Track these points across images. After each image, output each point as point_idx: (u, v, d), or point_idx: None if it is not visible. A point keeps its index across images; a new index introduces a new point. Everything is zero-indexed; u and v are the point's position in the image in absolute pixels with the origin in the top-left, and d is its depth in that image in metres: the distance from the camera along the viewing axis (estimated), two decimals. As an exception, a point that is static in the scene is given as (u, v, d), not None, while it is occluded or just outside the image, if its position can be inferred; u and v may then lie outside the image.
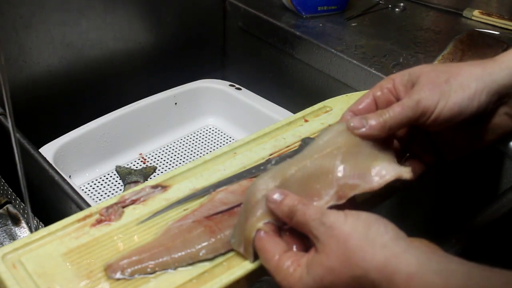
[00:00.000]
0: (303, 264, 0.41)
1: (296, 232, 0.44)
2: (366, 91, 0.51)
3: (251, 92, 1.03)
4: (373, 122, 0.46)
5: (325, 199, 0.45)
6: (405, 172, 0.46)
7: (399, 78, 0.49)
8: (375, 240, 0.38)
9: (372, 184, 0.46)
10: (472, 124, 0.48)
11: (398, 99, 0.49)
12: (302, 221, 0.42)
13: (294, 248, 0.44)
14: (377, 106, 0.50)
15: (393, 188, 0.48)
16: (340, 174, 0.46)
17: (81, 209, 0.60)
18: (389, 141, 0.49)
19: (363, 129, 0.46)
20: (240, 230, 0.46)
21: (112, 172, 0.94)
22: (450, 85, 0.46)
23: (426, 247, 0.40)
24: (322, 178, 0.45)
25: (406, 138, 0.51)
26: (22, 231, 0.66)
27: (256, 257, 0.45)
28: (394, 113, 0.46)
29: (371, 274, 0.37)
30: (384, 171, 0.46)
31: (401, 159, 0.52)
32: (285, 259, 0.42)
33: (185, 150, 1.01)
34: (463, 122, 0.46)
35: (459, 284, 0.35)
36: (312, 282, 0.40)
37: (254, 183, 0.46)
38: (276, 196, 0.43)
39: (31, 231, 0.65)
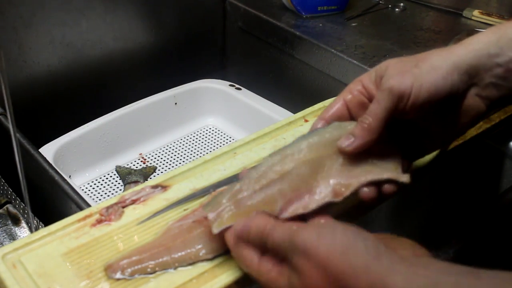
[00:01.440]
0: (285, 275, 0.39)
1: None
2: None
3: (251, 92, 1.03)
4: (358, 131, 0.46)
5: (321, 195, 0.45)
6: (403, 177, 0.47)
7: (367, 77, 0.49)
8: (356, 263, 0.36)
9: (367, 179, 0.46)
10: (446, 109, 0.48)
11: (370, 99, 0.49)
12: (274, 248, 0.40)
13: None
14: (349, 109, 0.50)
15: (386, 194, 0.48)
16: (338, 172, 0.46)
17: (81, 209, 0.60)
18: (392, 148, 0.49)
19: (355, 143, 0.46)
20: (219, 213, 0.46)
21: (112, 172, 0.94)
22: (420, 68, 0.46)
23: (412, 255, 0.39)
24: (319, 173, 0.46)
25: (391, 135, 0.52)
26: (22, 231, 0.66)
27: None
28: (373, 111, 0.46)
29: None
30: (380, 171, 0.46)
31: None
32: (265, 261, 0.41)
33: (185, 150, 1.01)
34: (438, 105, 0.47)
35: None
36: None
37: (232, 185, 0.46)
38: (240, 228, 0.42)
39: (31, 231, 0.65)
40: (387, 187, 0.47)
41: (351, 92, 0.49)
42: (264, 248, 0.41)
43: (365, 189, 0.46)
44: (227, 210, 0.45)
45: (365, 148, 0.46)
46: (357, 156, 0.47)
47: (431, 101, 0.46)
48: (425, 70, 0.46)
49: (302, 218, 0.44)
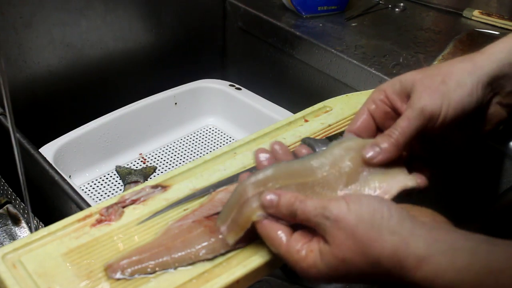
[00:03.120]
0: (315, 250, 0.41)
1: None
2: (367, 91, 0.51)
3: (251, 92, 1.03)
4: (386, 145, 0.46)
5: None
6: (409, 181, 0.47)
7: (390, 88, 0.49)
8: (381, 227, 0.38)
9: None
10: (470, 118, 0.48)
11: (393, 109, 0.49)
12: (305, 219, 0.42)
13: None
14: (374, 120, 0.50)
15: (408, 194, 0.49)
16: (343, 193, 0.46)
17: (81, 209, 0.60)
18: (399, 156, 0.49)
19: (380, 156, 0.46)
20: (232, 220, 0.46)
21: (112, 172, 0.94)
22: (447, 86, 0.46)
23: (433, 221, 0.41)
24: (324, 194, 0.46)
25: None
26: (22, 231, 0.66)
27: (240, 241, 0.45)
28: (402, 128, 0.46)
29: (381, 261, 0.38)
30: (388, 186, 0.46)
31: (407, 165, 0.52)
32: (294, 242, 0.42)
33: (185, 150, 1.01)
34: (462, 119, 0.47)
35: (464, 262, 0.36)
36: (326, 270, 0.40)
37: (249, 178, 0.45)
38: (270, 197, 0.43)
39: (31, 231, 0.65)
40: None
41: (375, 102, 0.49)
42: (293, 218, 0.43)
43: None
44: (234, 225, 0.45)
45: (388, 162, 0.46)
46: (360, 172, 0.47)
47: (458, 118, 0.46)
48: (452, 88, 0.46)
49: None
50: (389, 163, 0.47)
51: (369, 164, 0.47)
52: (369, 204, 0.40)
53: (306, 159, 0.47)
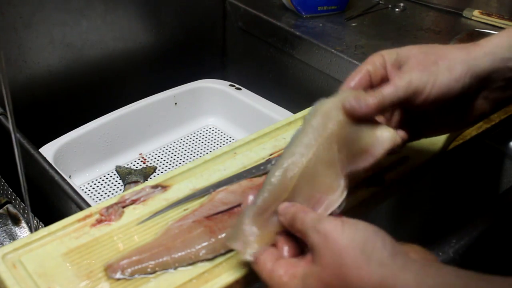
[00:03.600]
0: (298, 275, 0.40)
1: (290, 235, 0.44)
2: None
3: (251, 92, 1.03)
4: (370, 101, 0.46)
5: (338, 191, 0.45)
6: (397, 136, 0.48)
7: (388, 55, 0.50)
8: (372, 256, 0.37)
9: (376, 156, 0.46)
10: (453, 105, 0.49)
11: (385, 76, 0.50)
12: (300, 229, 0.42)
13: (285, 252, 0.43)
14: (371, 79, 0.50)
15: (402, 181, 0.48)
16: (342, 163, 0.46)
17: (81, 209, 0.60)
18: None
19: (360, 110, 0.46)
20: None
21: (112, 172, 0.94)
22: (438, 67, 0.47)
23: (423, 259, 0.40)
24: (325, 170, 0.45)
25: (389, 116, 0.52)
26: (22, 231, 0.66)
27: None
28: (388, 92, 0.47)
29: None
30: (381, 142, 0.47)
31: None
32: (277, 267, 0.41)
33: (185, 150, 1.01)
34: (446, 103, 0.48)
35: None
36: None
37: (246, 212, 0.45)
38: (283, 206, 0.43)
39: (31, 231, 0.65)
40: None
41: (374, 64, 0.50)
42: (292, 226, 0.42)
43: None
44: (252, 235, 0.44)
45: (365, 117, 0.47)
46: (350, 134, 0.47)
47: (440, 99, 0.47)
48: (441, 70, 0.47)
49: None
50: (371, 122, 0.48)
51: (351, 120, 0.47)
52: (364, 231, 0.39)
53: (291, 147, 0.47)
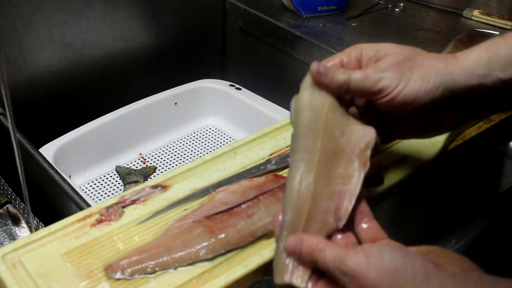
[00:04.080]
0: None
1: None
2: None
3: (251, 92, 1.03)
4: (338, 75, 0.46)
5: (355, 176, 0.45)
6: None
7: (367, 50, 0.49)
8: (406, 287, 0.36)
9: (373, 133, 0.47)
10: (422, 114, 0.49)
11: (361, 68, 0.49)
12: (325, 270, 0.40)
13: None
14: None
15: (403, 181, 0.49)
16: (350, 146, 0.46)
17: (81, 209, 0.60)
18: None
19: (326, 78, 0.46)
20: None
21: (112, 172, 0.94)
22: (412, 74, 0.47)
23: (461, 271, 0.39)
24: (336, 161, 0.45)
25: (362, 109, 0.52)
26: (22, 231, 0.66)
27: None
28: (355, 76, 0.46)
29: None
30: (366, 125, 0.47)
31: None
32: None
33: (185, 150, 1.01)
34: (413, 110, 0.48)
35: None
36: None
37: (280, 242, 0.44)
38: (291, 243, 0.42)
39: (31, 231, 0.65)
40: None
41: (349, 56, 0.50)
42: (315, 266, 0.41)
43: None
44: (296, 264, 0.43)
45: (324, 88, 0.46)
46: (340, 121, 0.47)
47: (405, 105, 0.47)
48: (414, 78, 0.46)
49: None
50: (349, 115, 0.48)
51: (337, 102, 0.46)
52: (392, 259, 0.38)
53: (295, 154, 0.46)
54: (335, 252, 0.40)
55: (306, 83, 0.47)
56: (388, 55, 0.48)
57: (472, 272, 0.39)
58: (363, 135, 0.47)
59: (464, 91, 0.47)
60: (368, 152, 0.46)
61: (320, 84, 0.46)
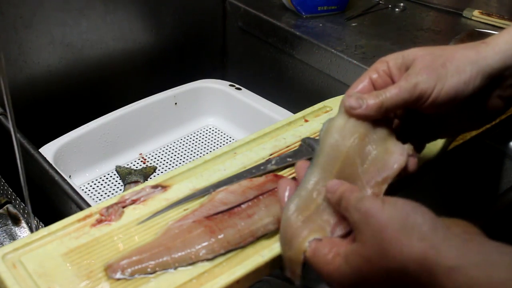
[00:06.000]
0: (342, 253, 0.40)
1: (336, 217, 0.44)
2: None
3: (251, 92, 1.03)
4: (371, 101, 0.46)
5: None
6: (410, 150, 0.47)
7: (393, 60, 0.49)
8: (413, 231, 0.37)
9: (395, 168, 0.46)
10: (465, 106, 0.48)
11: (393, 82, 0.49)
12: (345, 207, 0.42)
13: (329, 232, 0.44)
14: (375, 88, 0.50)
15: (403, 180, 0.49)
16: (366, 176, 0.46)
17: (81, 209, 0.60)
18: (388, 123, 0.49)
19: (360, 109, 0.46)
20: (287, 259, 0.45)
21: (112, 172, 0.94)
22: (447, 69, 0.46)
23: (465, 233, 0.39)
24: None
25: (403, 118, 0.52)
26: (22, 231, 0.66)
27: (303, 278, 0.45)
28: (391, 94, 0.46)
29: (409, 266, 0.36)
30: (397, 154, 0.46)
31: (400, 139, 0.52)
32: (321, 246, 0.42)
33: (185, 150, 1.01)
34: (457, 104, 0.47)
35: (502, 278, 0.34)
36: (350, 272, 0.39)
37: (285, 215, 0.45)
38: (332, 184, 0.44)
39: (31, 231, 0.65)
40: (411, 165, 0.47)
41: (377, 71, 0.49)
42: (338, 205, 0.43)
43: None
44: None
45: (365, 119, 0.46)
46: (367, 146, 0.47)
47: (449, 103, 0.46)
48: (450, 72, 0.46)
49: None
50: (385, 132, 0.47)
51: (360, 121, 0.46)
52: (404, 207, 0.39)
53: (313, 168, 0.47)
54: (359, 194, 0.42)
55: (343, 108, 0.47)
56: (416, 59, 0.47)
57: (476, 235, 0.40)
58: (386, 167, 0.46)
59: (503, 73, 0.46)
60: (384, 186, 0.45)
61: (357, 117, 0.46)
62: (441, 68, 0.46)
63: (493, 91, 0.48)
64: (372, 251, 0.38)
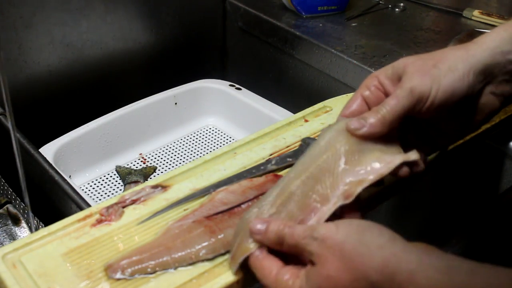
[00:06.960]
0: (301, 275, 0.40)
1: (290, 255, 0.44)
2: None
3: (251, 92, 1.03)
4: (372, 119, 0.46)
5: (332, 201, 0.44)
6: (412, 154, 0.46)
7: (383, 73, 0.49)
8: (371, 243, 0.38)
9: (379, 172, 0.45)
10: (461, 107, 0.48)
11: (387, 95, 0.48)
12: (293, 244, 0.41)
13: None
14: (368, 105, 0.50)
15: (402, 181, 0.48)
16: (344, 173, 0.45)
17: (81, 209, 0.60)
18: (392, 134, 0.48)
19: (364, 129, 0.46)
20: (233, 250, 0.45)
21: (112, 172, 0.94)
22: (439, 69, 0.46)
23: (424, 246, 0.39)
24: (326, 180, 0.45)
25: (402, 130, 0.51)
26: (22, 231, 0.66)
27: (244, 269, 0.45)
28: (391, 106, 0.46)
29: (371, 276, 0.37)
30: (389, 159, 0.46)
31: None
32: (283, 272, 0.41)
33: (185, 150, 1.01)
34: (453, 105, 0.47)
35: (463, 280, 0.34)
36: None
37: (250, 210, 0.46)
38: (259, 226, 0.43)
39: (31, 231, 0.65)
40: (403, 171, 0.47)
41: (368, 88, 0.49)
42: (280, 245, 0.42)
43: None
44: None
45: (372, 137, 0.46)
46: (358, 151, 0.46)
47: (447, 103, 0.46)
48: (443, 72, 0.46)
49: None
50: (384, 142, 0.47)
51: (363, 139, 0.46)
52: (359, 224, 0.39)
53: (304, 155, 0.48)
54: (305, 227, 0.41)
55: (341, 123, 0.48)
56: (407, 66, 0.47)
57: (436, 250, 0.40)
58: (367, 172, 0.45)
59: (493, 69, 0.47)
60: (359, 189, 0.44)
61: (363, 137, 0.46)
62: (434, 69, 0.46)
63: (485, 87, 0.49)
64: (332, 269, 0.38)
